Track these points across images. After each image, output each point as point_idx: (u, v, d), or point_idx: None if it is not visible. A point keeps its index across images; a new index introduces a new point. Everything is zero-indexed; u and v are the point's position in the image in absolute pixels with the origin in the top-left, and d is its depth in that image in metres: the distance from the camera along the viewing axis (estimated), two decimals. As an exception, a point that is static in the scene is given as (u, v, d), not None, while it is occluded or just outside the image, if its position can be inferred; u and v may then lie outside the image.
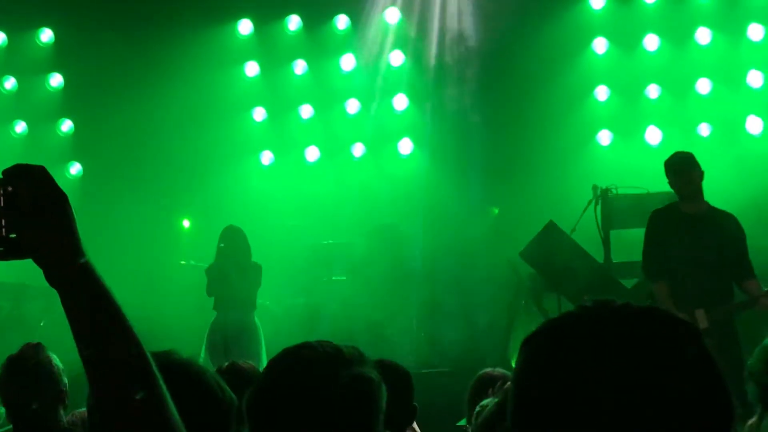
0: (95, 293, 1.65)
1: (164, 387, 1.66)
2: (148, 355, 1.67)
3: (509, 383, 4.41)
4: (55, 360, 4.39)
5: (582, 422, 1.23)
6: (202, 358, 9.61)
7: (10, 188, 1.66)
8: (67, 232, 1.67)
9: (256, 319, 10.12)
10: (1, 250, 1.68)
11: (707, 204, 7.83)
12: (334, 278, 11.76)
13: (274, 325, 10.86)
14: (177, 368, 2.34)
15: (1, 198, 1.66)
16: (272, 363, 2.27)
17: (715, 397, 1.25)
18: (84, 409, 4.65)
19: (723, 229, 7.76)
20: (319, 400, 2.15)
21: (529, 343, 1.32)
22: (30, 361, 4.31)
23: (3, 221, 1.67)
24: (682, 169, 7.79)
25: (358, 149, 13.01)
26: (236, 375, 3.92)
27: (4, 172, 1.67)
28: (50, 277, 1.68)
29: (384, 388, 2.25)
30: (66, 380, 4.40)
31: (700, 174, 7.81)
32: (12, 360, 4.33)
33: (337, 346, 2.26)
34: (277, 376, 2.21)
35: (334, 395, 2.15)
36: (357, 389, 2.19)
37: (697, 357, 1.27)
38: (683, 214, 7.80)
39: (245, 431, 3.72)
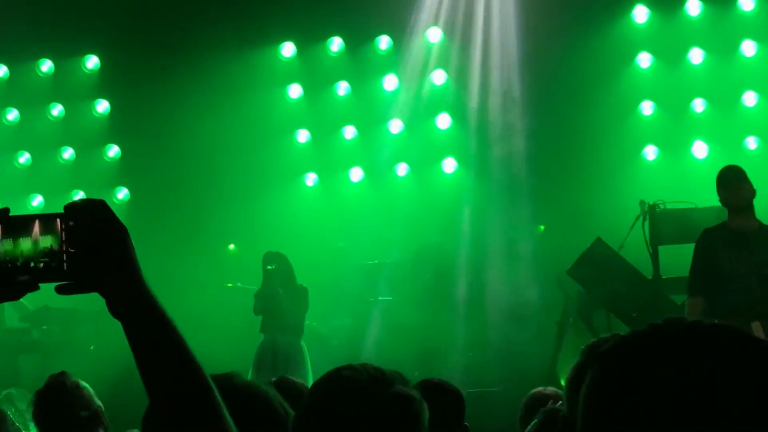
0: (157, 327, 1.64)
1: (228, 417, 1.67)
2: (212, 385, 1.67)
3: (560, 403, 4.37)
4: (83, 383, 4.39)
5: None
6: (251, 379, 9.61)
7: (71, 222, 1.68)
8: (128, 266, 1.69)
9: (303, 343, 10.12)
10: (64, 284, 1.69)
11: (758, 221, 7.80)
12: (380, 298, 11.75)
13: (321, 346, 10.87)
14: (242, 391, 2.35)
15: (63, 232, 1.68)
16: (316, 385, 2.29)
17: None
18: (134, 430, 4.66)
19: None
20: (361, 421, 2.16)
21: (601, 361, 1.30)
22: (59, 390, 4.31)
23: (64, 256, 1.68)
24: (731, 181, 7.76)
25: (401, 169, 13.01)
26: (287, 390, 3.92)
27: (66, 207, 1.68)
28: (113, 310, 1.67)
29: (426, 406, 2.26)
30: (99, 402, 4.40)
31: (750, 188, 7.76)
32: (41, 394, 4.33)
33: (379, 368, 2.28)
34: (320, 398, 2.23)
35: (376, 414, 2.16)
36: (399, 408, 2.20)
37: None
38: (733, 231, 7.76)
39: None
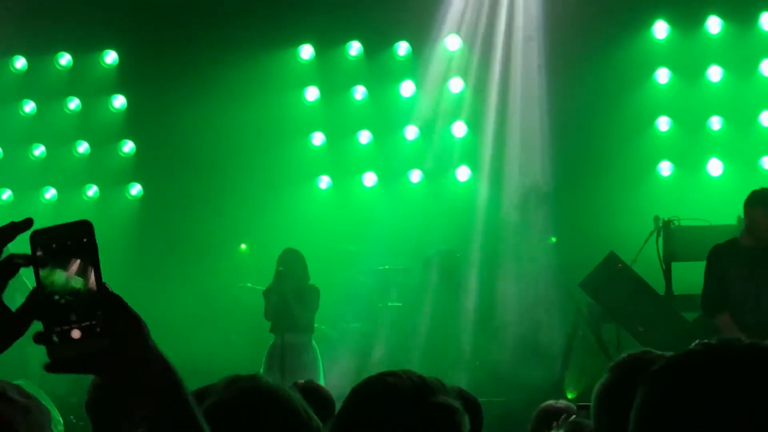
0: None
1: None
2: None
3: (573, 416, 4.35)
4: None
5: None
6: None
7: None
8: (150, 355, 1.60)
9: (314, 343, 10.12)
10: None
11: None
12: (390, 304, 11.74)
13: (329, 349, 10.86)
14: (266, 393, 2.33)
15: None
16: (356, 390, 2.27)
17: None
18: None
19: None
20: (404, 429, 2.13)
21: (656, 380, 1.30)
22: None
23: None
24: None
25: (415, 175, 13.01)
26: (312, 395, 3.91)
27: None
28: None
29: (467, 418, 2.24)
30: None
31: None
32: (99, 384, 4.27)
33: (421, 376, 2.25)
34: (363, 403, 2.20)
35: (419, 423, 2.14)
36: (442, 418, 2.18)
37: None
38: (744, 248, 7.77)
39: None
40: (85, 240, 1.57)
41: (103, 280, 1.58)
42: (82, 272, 1.56)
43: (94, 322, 1.55)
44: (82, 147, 13.27)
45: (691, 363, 1.29)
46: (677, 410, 1.26)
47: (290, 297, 9.92)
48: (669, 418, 1.26)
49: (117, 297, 1.58)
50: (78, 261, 1.56)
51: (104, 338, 1.55)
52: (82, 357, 1.55)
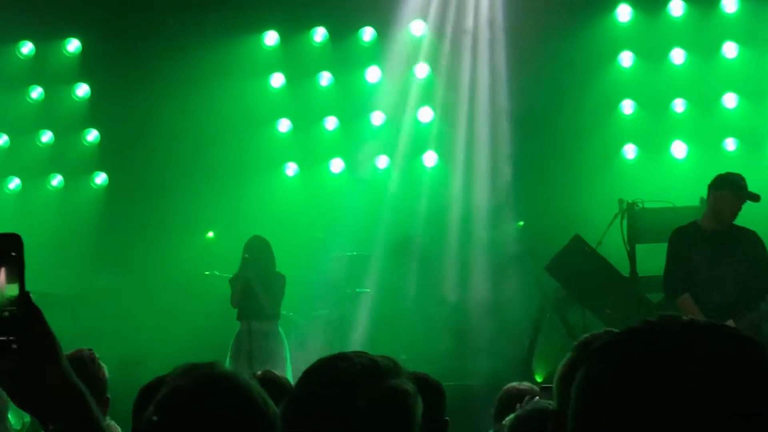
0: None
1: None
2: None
3: (537, 398, 4.38)
4: (104, 367, 4.34)
5: None
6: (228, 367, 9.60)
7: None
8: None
9: (281, 329, 10.13)
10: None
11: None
12: (357, 290, 11.75)
13: (297, 336, 10.87)
14: (223, 381, 2.32)
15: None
16: (308, 373, 2.26)
17: None
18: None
19: (746, 243, 7.87)
20: (356, 412, 2.13)
21: (594, 357, 1.31)
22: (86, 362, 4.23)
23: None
24: (742, 195, 7.80)
25: (382, 161, 13.00)
26: (269, 384, 3.91)
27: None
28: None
29: (420, 400, 2.24)
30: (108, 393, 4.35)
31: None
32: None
33: (373, 358, 2.25)
34: (314, 387, 2.20)
35: (370, 407, 2.13)
36: (394, 401, 2.18)
37: (763, 372, 1.26)
38: (706, 231, 7.84)
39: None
40: (13, 254, 1.54)
41: (24, 286, 1.55)
42: (6, 286, 1.53)
43: (11, 338, 1.52)
44: (46, 136, 13.15)
45: (630, 340, 1.30)
46: (614, 386, 1.26)
47: (256, 284, 9.92)
48: (607, 394, 1.27)
49: (37, 316, 1.55)
50: (3, 275, 1.53)
51: (19, 357, 1.52)
52: None
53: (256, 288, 9.90)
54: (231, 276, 10.33)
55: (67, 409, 1.54)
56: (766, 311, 7.82)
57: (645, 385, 1.24)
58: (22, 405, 1.55)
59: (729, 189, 7.87)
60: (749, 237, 8.00)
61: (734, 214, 7.93)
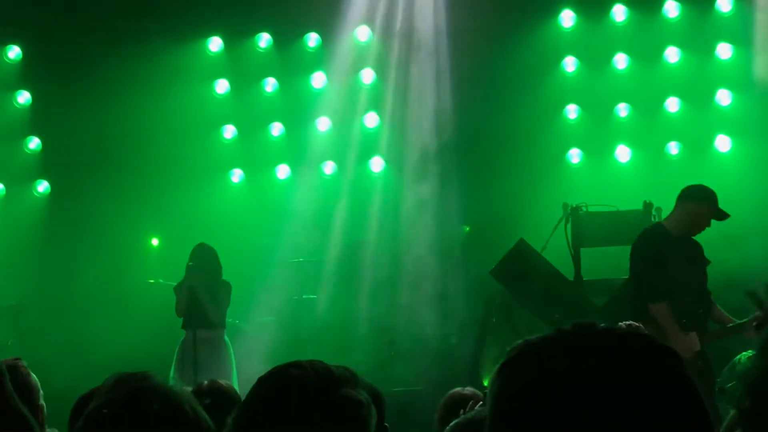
0: None
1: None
2: None
3: (480, 403, 4.36)
4: (33, 376, 4.28)
5: None
6: (172, 376, 9.53)
7: None
8: None
9: (226, 338, 10.06)
10: None
11: None
12: (304, 296, 11.71)
13: (244, 344, 10.79)
14: (152, 393, 2.29)
15: None
16: (261, 381, 2.23)
17: (696, 422, 1.24)
18: None
19: (701, 251, 8.00)
20: (309, 422, 2.11)
21: (507, 366, 1.29)
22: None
23: None
24: (716, 210, 7.90)
25: (329, 167, 12.97)
26: (216, 394, 3.87)
27: None
28: None
29: (374, 410, 2.22)
30: (42, 400, 4.28)
31: None
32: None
33: (328, 366, 2.22)
34: (266, 395, 2.17)
35: (323, 418, 2.11)
36: (346, 411, 2.16)
37: (680, 383, 1.25)
38: (676, 238, 7.93)
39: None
40: None
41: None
42: None
43: None
44: (-13, 144, 12.96)
45: (544, 348, 1.28)
46: (515, 391, 1.25)
47: (202, 293, 9.85)
48: (509, 399, 1.25)
49: None
50: None
51: None
52: None
53: (201, 296, 9.83)
54: (176, 284, 10.24)
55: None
56: (732, 326, 7.88)
57: (550, 393, 1.22)
58: None
59: (709, 205, 7.97)
60: (700, 246, 8.13)
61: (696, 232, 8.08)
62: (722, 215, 7.94)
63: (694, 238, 8.09)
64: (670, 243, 7.89)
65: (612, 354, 1.24)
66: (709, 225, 7.99)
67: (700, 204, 7.95)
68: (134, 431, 2.24)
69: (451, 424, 3.69)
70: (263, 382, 2.22)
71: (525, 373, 1.26)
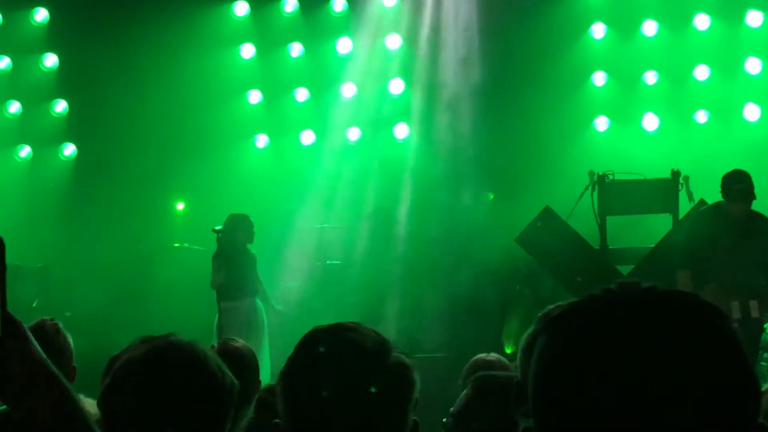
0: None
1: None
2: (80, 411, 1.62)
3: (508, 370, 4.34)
4: (65, 336, 4.30)
5: (607, 407, 1.20)
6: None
7: None
8: None
9: (258, 302, 10.10)
10: None
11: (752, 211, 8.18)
12: (328, 262, 11.72)
13: (268, 309, 10.83)
14: (178, 350, 2.30)
15: None
16: (313, 341, 2.20)
17: (742, 381, 1.23)
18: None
19: (762, 232, 8.04)
20: (365, 384, 2.11)
21: (552, 326, 1.28)
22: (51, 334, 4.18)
23: None
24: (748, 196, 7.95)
25: (353, 133, 12.95)
26: (229, 355, 3.88)
27: None
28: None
29: (419, 376, 2.24)
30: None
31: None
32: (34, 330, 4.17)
33: (377, 332, 2.23)
34: (326, 356, 2.14)
35: (380, 380, 2.12)
36: (401, 375, 2.17)
37: (726, 341, 1.24)
38: (731, 218, 8.06)
39: (248, 413, 3.67)
40: None
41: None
42: None
43: None
44: (14, 107, 13.01)
45: (587, 308, 1.27)
46: (571, 354, 1.24)
47: (233, 259, 9.89)
48: (564, 363, 1.24)
49: (14, 321, 1.56)
50: None
51: None
52: None
53: (232, 263, 9.86)
54: (203, 248, 10.27)
55: (44, 395, 1.53)
56: None
57: (601, 355, 1.22)
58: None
59: (737, 195, 8.14)
60: (764, 224, 8.27)
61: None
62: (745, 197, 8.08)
63: (763, 215, 8.22)
64: (717, 223, 8.09)
65: (657, 312, 1.24)
66: (739, 208, 8.06)
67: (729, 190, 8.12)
68: (156, 387, 2.25)
69: (478, 378, 3.64)
70: (315, 341, 2.20)
71: (570, 332, 1.25)
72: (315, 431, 2.13)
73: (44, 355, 1.58)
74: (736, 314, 7.88)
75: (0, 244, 1.58)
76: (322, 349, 2.17)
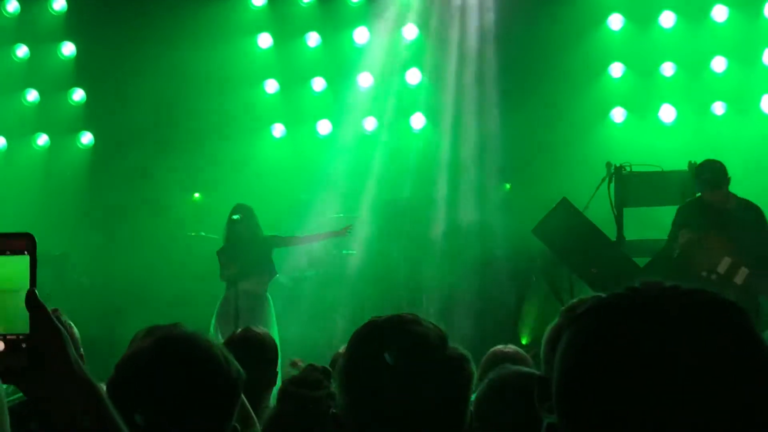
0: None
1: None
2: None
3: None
4: (71, 325, 4.33)
5: (633, 403, 1.22)
6: (213, 329, 9.60)
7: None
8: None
9: (268, 293, 10.10)
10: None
11: (734, 196, 8.11)
12: (344, 252, 11.74)
13: (283, 297, 10.86)
14: (183, 342, 2.31)
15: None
16: (374, 335, 2.20)
17: (765, 376, 1.25)
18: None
19: (746, 221, 8.08)
20: (429, 375, 2.13)
21: (578, 322, 1.30)
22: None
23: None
24: (719, 184, 8.01)
25: (370, 123, 12.95)
26: (249, 341, 3.90)
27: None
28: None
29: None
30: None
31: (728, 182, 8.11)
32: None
33: (435, 324, 2.24)
34: (387, 350, 2.15)
35: (443, 372, 2.15)
36: (461, 367, 2.20)
37: (748, 337, 1.26)
38: (714, 207, 8.07)
39: (268, 402, 3.68)
40: (25, 253, 1.57)
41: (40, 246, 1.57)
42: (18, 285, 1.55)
43: (21, 337, 1.52)
44: (32, 95, 13.06)
45: (612, 305, 1.29)
46: (597, 351, 1.26)
47: (244, 246, 9.89)
48: (590, 359, 1.26)
49: (44, 312, 1.55)
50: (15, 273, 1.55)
51: (28, 355, 1.52)
52: (2, 370, 1.52)
53: (243, 249, 9.87)
54: (218, 237, 10.28)
55: (80, 402, 1.53)
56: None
57: (627, 352, 1.23)
58: (36, 401, 1.54)
59: (704, 186, 8.23)
60: (748, 213, 8.39)
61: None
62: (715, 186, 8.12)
63: (748, 203, 8.20)
64: (698, 214, 8.13)
65: (680, 310, 1.25)
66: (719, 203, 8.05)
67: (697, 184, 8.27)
68: (161, 378, 2.26)
69: (495, 373, 3.65)
70: (377, 334, 2.20)
71: (596, 329, 1.27)
72: (377, 423, 2.13)
73: (80, 362, 1.57)
74: (721, 269, 7.90)
75: (32, 241, 1.57)
76: (386, 343, 2.17)
